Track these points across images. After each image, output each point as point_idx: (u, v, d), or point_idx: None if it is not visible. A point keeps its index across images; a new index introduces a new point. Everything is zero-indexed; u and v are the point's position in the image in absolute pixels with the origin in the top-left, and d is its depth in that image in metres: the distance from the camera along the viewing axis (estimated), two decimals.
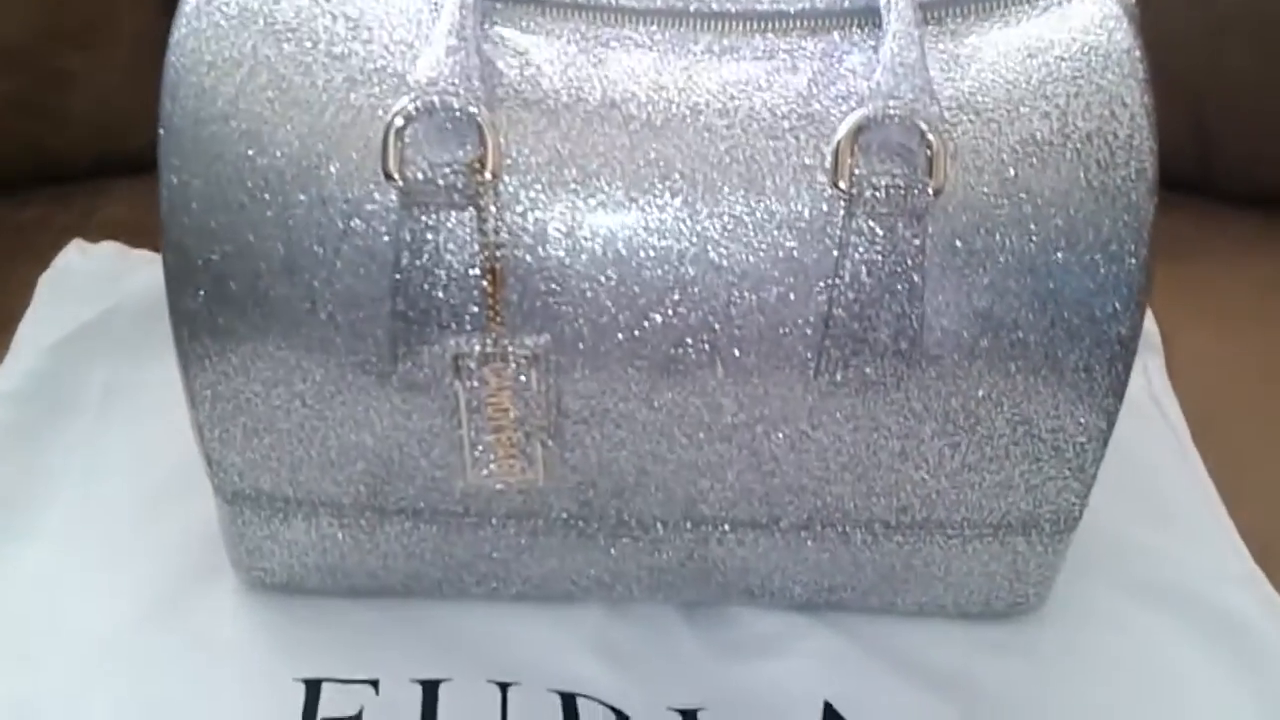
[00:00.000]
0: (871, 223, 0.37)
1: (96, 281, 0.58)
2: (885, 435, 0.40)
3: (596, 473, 0.41)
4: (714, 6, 0.41)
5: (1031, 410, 0.40)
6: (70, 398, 0.54)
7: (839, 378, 0.39)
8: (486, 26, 0.39)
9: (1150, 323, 0.61)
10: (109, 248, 0.60)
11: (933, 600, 0.46)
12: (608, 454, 0.41)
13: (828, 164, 0.37)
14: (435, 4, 0.39)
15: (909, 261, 0.37)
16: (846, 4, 0.41)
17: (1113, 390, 0.40)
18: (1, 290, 0.60)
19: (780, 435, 0.40)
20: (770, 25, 0.41)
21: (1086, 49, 0.39)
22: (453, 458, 0.40)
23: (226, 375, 0.39)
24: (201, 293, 0.38)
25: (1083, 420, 0.40)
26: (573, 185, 0.37)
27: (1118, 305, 0.38)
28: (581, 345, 0.38)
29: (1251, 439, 0.55)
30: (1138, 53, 0.39)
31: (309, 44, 0.38)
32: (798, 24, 0.41)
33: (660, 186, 0.37)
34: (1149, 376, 0.57)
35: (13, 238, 0.64)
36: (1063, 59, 0.39)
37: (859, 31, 0.40)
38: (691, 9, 0.41)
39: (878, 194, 0.36)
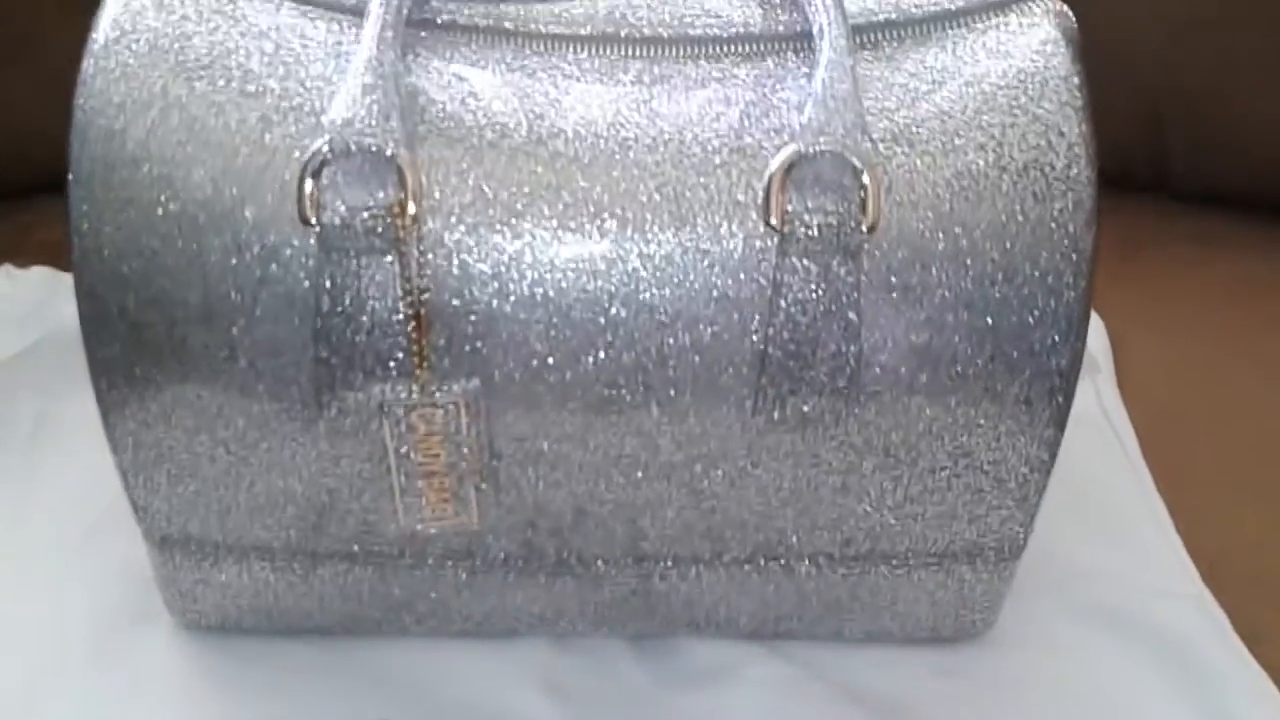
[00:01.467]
0: (805, 260, 0.36)
1: (26, 308, 0.56)
2: (826, 470, 0.40)
3: (534, 513, 0.40)
4: (645, 31, 0.40)
5: (973, 443, 0.39)
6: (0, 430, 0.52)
7: (776, 416, 0.38)
8: (410, 57, 0.38)
9: (1100, 332, 0.60)
10: (39, 274, 0.58)
11: (880, 628, 0.46)
12: (544, 494, 0.40)
13: (759, 200, 0.36)
14: (357, 34, 0.38)
15: (844, 299, 0.36)
16: (781, 27, 0.40)
17: (1054, 421, 0.39)
18: None
19: (719, 472, 0.39)
20: (703, 51, 0.39)
21: (1023, 76, 0.38)
22: (384, 502, 0.39)
23: (147, 424, 0.38)
24: (117, 342, 0.37)
25: (1024, 451, 0.40)
26: (499, 225, 0.36)
27: (1056, 338, 0.38)
28: (512, 389, 0.37)
29: (1203, 449, 0.55)
30: (1076, 79, 0.38)
31: (222, 82, 0.36)
32: (731, 49, 0.40)
33: (589, 226, 0.36)
34: (1098, 387, 0.57)
35: None
36: (999, 87, 0.38)
37: (793, 57, 0.39)
38: (622, 34, 0.40)
39: (811, 232, 0.35)
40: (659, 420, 0.38)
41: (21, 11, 0.62)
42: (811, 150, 0.35)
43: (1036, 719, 0.45)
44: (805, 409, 0.38)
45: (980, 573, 0.44)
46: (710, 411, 0.38)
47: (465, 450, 0.38)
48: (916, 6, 0.40)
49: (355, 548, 0.42)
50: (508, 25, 0.39)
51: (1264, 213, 0.69)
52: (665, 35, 0.40)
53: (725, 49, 0.40)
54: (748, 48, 0.40)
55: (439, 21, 0.39)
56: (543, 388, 0.37)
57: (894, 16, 0.40)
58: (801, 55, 0.39)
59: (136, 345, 0.37)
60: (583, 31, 0.39)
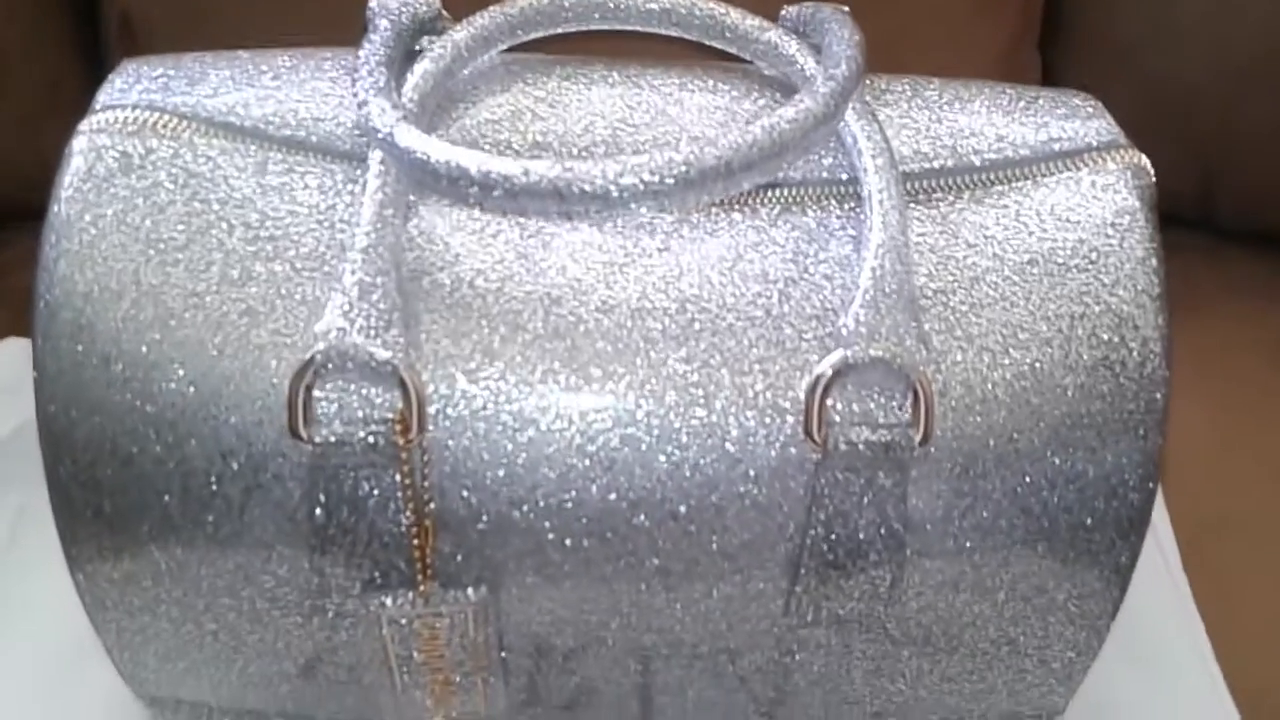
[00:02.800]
0: (848, 474, 0.32)
1: (3, 389, 0.52)
2: (859, 658, 0.37)
3: (544, 694, 0.38)
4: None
5: (1018, 634, 0.37)
6: None
7: (810, 618, 0.35)
8: (413, 221, 0.34)
9: None
10: (16, 346, 0.54)
11: None
12: (555, 680, 0.37)
13: (798, 407, 0.32)
14: (351, 194, 0.34)
15: (890, 511, 0.33)
16: (824, 172, 0.36)
17: (1107, 611, 0.37)
18: None
19: (746, 661, 0.37)
20: (735, 202, 0.35)
21: (1096, 256, 0.34)
22: (385, 697, 0.36)
23: (129, 614, 0.36)
24: (93, 541, 0.34)
25: (1073, 639, 0.37)
26: (511, 430, 0.32)
27: (1116, 538, 0.35)
28: (523, 593, 0.34)
29: (1250, 561, 0.52)
30: (1154, 261, 0.34)
31: (200, 267, 0.32)
32: (767, 199, 0.35)
33: (610, 433, 0.33)
34: None
35: None
36: (1068, 268, 0.34)
37: (836, 209, 0.35)
38: None
39: (857, 446, 0.32)
40: (683, 618, 0.35)
41: None
42: (860, 359, 0.31)
43: None
44: (841, 613, 0.35)
45: None
46: (740, 611, 0.35)
47: (473, 651, 0.35)
48: (975, 153, 0.36)
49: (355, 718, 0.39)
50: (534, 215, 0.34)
51: None
52: None
53: (760, 200, 0.36)
54: (787, 196, 0.36)
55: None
56: (557, 590, 0.34)
57: (950, 164, 0.36)
58: (846, 207, 0.35)
59: (116, 549, 0.34)
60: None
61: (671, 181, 0.30)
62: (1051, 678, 0.39)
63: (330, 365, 0.31)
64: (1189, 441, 0.56)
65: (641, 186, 0.30)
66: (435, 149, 0.31)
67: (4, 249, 0.60)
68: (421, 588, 0.33)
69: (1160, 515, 0.53)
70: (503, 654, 0.36)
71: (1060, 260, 0.34)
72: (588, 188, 0.30)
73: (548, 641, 0.36)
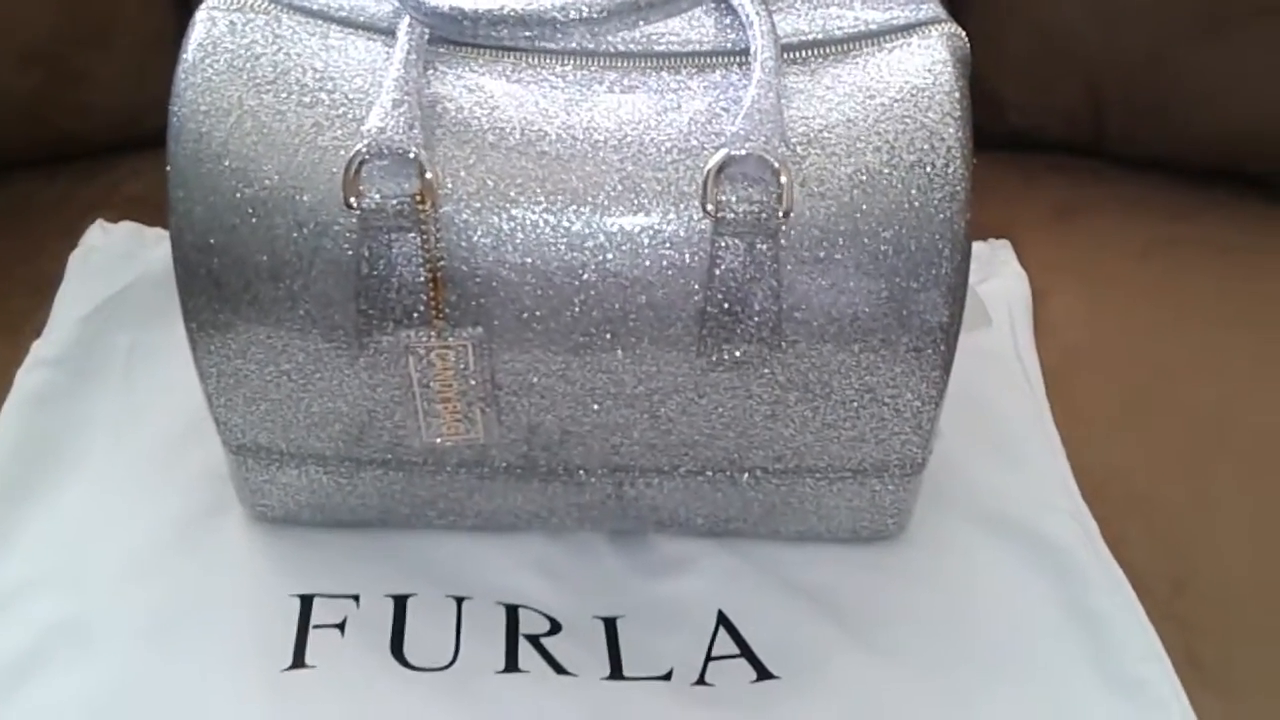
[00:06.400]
0: (735, 239, 0.46)
1: (117, 260, 0.67)
2: (757, 401, 0.50)
3: (528, 432, 0.51)
4: (619, 48, 0.49)
5: (874, 381, 0.50)
6: (100, 360, 0.63)
7: (715, 359, 0.48)
8: (430, 71, 0.48)
9: (1024, 284, 0.70)
10: (127, 228, 0.69)
11: (810, 529, 0.56)
12: (535, 417, 0.50)
13: (699, 191, 0.46)
14: (388, 54, 0.48)
15: (767, 268, 0.46)
16: (729, 44, 0.50)
17: (939, 365, 0.49)
18: (36, 257, 0.70)
19: (673, 402, 0.50)
20: (664, 64, 0.49)
21: (915, 90, 0.47)
22: (410, 421, 0.50)
23: (227, 357, 0.49)
24: (204, 295, 0.48)
25: (916, 389, 0.50)
26: (497, 209, 0.46)
27: (938, 300, 0.48)
28: (508, 334, 0.48)
29: (1100, 387, 0.64)
30: (958, 93, 0.47)
31: (284, 94, 0.47)
32: (688, 63, 0.49)
33: (568, 210, 0.46)
34: (1015, 332, 0.66)
35: (44, 212, 0.74)
36: (895, 99, 0.47)
37: (737, 70, 0.49)
38: (601, 48, 0.49)
39: (738, 216, 0.45)
40: (624, 361, 0.48)
41: (105, 3, 0.72)
42: (739, 153, 0.45)
43: (937, 607, 0.55)
44: (738, 354, 0.48)
45: (888, 485, 0.54)
46: (663, 355, 0.48)
47: (473, 381, 0.48)
48: (839, 28, 0.50)
49: (389, 456, 0.53)
50: (508, 44, 0.49)
51: (1189, 177, 0.77)
52: (635, 51, 0.49)
53: (683, 63, 0.49)
54: (701, 62, 0.49)
55: (454, 40, 0.49)
56: (531, 334, 0.48)
57: (820, 37, 0.50)
58: (743, 69, 0.49)
59: (220, 298, 0.48)
60: (569, 46, 0.49)
61: (599, 12, 0.44)
62: (906, 425, 0.51)
63: (371, 155, 0.45)
64: (1064, 313, 0.69)
65: (577, 14, 0.44)
66: (444, 1, 0.45)
67: (119, 166, 0.75)
68: (435, 323, 0.47)
69: (1029, 353, 0.66)
70: (496, 391, 0.49)
71: (890, 95, 0.47)
72: (544, 16, 0.44)
73: (526, 380, 0.49)
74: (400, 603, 0.54)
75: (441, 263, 0.46)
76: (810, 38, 0.50)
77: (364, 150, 0.44)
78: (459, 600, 0.54)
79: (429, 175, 0.45)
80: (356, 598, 0.54)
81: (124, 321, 0.65)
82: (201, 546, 0.56)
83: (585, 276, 0.47)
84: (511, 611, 0.54)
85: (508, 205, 0.46)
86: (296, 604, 0.53)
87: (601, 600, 0.55)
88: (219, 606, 0.53)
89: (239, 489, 0.56)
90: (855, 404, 0.50)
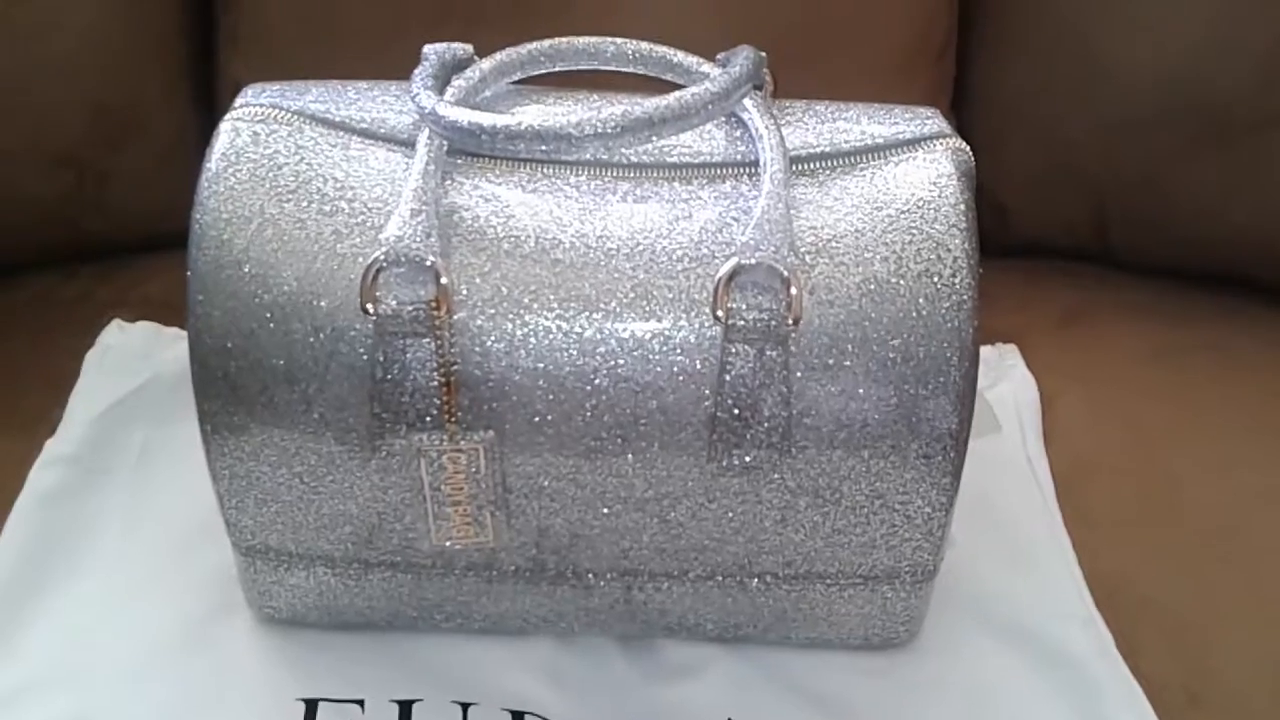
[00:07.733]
0: (745, 346, 0.46)
1: (133, 358, 0.68)
2: (767, 507, 0.50)
3: (537, 535, 0.51)
4: (632, 159, 0.51)
5: (885, 487, 0.50)
6: (114, 457, 0.64)
7: (725, 464, 0.48)
8: (448, 181, 0.49)
9: (1032, 388, 0.70)
10: (144, 327, 0.70)
11: (820, 635, 0.56)
12: (545, 521, 0.51)
13: (710, 299, 0.46)
14: (407, 165, 0.49)
15: (776, 375, 0.47)
16: (739, 156, 0.51)
17: (949, 471, 0.50)
18: (53, 354, 0.70)
19: (683, 507, 0.50)
20: (676, 175, 0.50)
21: (921, 202, 0.48)
22: (420, 524, 0.50)
23: (240, 459, 0.50)
24: (220, 397, 0.48)
25: (926, 495, 0.50)
26: (510, 315, 0.47)
27: (946, 407, 0.48)
28: (520, 438, 0.48)
29: (1110, 493, 0.64)
30: (963, 206, 0.48)
31: (305, 203, 0.48)
32: (698, 174, 0.50)
33: (580, 317, 0.47)
34: (1025, 437, 0.67)
35: (63, 310, 0.75)
36: (902, 211, 0.48)
37: (747, 181, 0.50)
38: (614, 159, 0.51)
39: (748, 324, 0.46)
40: (634, 465, 0.49)
41: (130, 103, 0.74)
42: (749, 262, 0.46)
43: (949, 716, 0.55)
44: (748, 459, 0.48)
45: (899, 591, 0.54)
46: (674, 460, 0.49)
47: (483, 484, 0.49)
48: (846, 142, 0.51)
49: (398, 559, 0.53)
50: (524, 156, 0.50)
51: (1196, 282, 0.78)
52: (647, 162, 0.51)
53: (694, 174, 0.50)
54: (712, 173, 0.50)
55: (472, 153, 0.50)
56: (543, 438, 0.48)
57: (828, 150, 0.51)
58: (753, 180, 0.50)
59: (235, 401, 0.48)
60: (584, 158, 0.50)
61: (612, 128, 0.45)
62: (917, 532, 0.51)
63: (389, 262, 0.46)
64: (1072, 417, 0.69)
65: (591, 130, 0.45)
66: (463, 114, 0.47)
67: (137, 266, 0.77)
68: (448, 427, 0.47)
69: (1040, 459, 0.66)
70: (506, 494, 0.50)
71: (898, 205, 0.48)
72: (559, 131, 0.45)
73: (536, 483, 0.49)
74: (406, 708, 0.53)
75: (455, 367, 0.47)
76: (818, 150, 0.51)
77: (382, 258, 0.45)
78: (465, 706, 0.54)
79: (444, 282, 0.46)
80: (361, 703, 0.53)
81: (138, 420, 0.66)
82: (209, 647, 0.55)
83: (597, 381, 0.47)
84: (518, 718, 0.53)
85: (521, 311, 0.47)
86: (302, 708, 0.53)
87: (609, 707, 0.54)
88: (225, 708, 0.53)
89: (247, 590, 0.56)
90: (865, 510, 0.50)
